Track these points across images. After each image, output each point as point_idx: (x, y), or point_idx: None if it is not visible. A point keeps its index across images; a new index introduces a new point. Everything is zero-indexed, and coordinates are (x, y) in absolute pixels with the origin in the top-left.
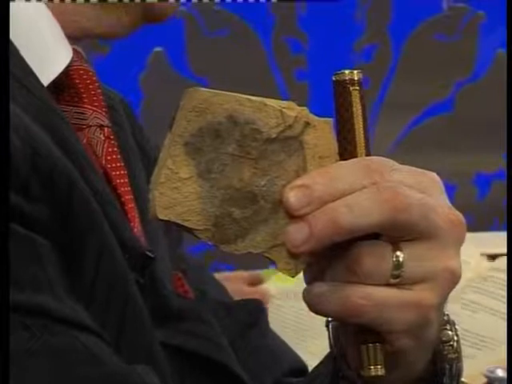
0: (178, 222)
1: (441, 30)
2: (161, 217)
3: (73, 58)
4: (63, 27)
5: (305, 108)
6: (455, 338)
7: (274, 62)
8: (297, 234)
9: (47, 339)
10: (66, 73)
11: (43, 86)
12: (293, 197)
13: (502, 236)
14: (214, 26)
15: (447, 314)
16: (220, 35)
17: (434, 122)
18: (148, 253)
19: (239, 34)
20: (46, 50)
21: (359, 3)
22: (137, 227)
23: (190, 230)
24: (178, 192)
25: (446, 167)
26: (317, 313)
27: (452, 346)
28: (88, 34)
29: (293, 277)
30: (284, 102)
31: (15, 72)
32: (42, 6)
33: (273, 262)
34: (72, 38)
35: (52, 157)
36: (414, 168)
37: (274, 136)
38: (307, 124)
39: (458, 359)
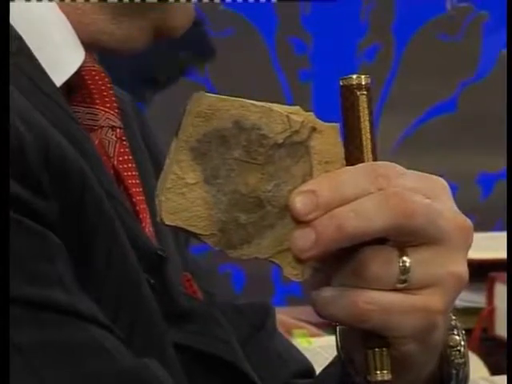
0: (184, 227)
1: (444, 30)
2: (167, 222)
3: (85, 59)
4: (78, 35)
5: (311, 113)
6: (462, 342)
7: (278, 62)
8: (303, 239)
9: (58, 333)
10: (79, 73)
11: (56, 86)
12: (299, 202)
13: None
14: (219, 26)
15: (454, 319)
16: (224, 35)
17: (437, 121)
18: (159, 252)
19: (243, 35)
20: (58, 51)
21: (363, 3)
22: (148, 228)
23: (196, 236)
24: (184, 197)
25: (449, 167)
26: (324, 317)
27: (459, 350)
28: (100, 46)
29: (300, 281)
30: (290, 107)
31: (28, 71)
32: (54, 6)
33: (279, 267)
34: (84, 46)
35: (64, 154)
36: (420, 173)
37: (280, 141)
38: (314, 129)
39: (465, 364)
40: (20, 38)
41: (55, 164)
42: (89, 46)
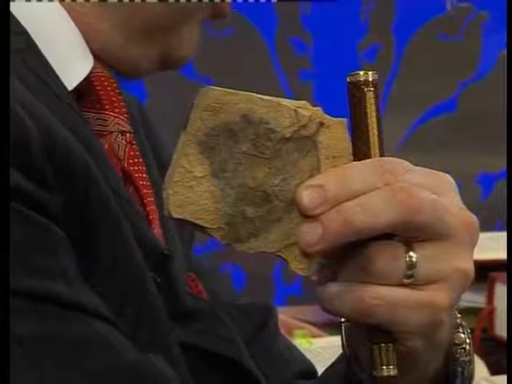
0: (192, 220)
1: (444, 30)
2: (174, 215)
3: (94, 64)
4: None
5: (319, 108)
6: (467, 340)
7: (278, 63)
8: (310, 233)
9: (60, 326)
10: (88, 79)
11: (67, 89)
12: (306, 196)
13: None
14: (219, 26)
15: (459, 317)
16: (224, 35)
17: (437, 121)
18: (165, 252)
19: (243, 35)
20: (68, 56)
21: (363, 3)
22: (157, 229)
23: (203, 229)
24: (191, 191)
25: (450, 167)
26: (330, 313)
27: (464, 348)
28: (104, 59)
29: (306, 276)
30: (298, 101)
31: (39, 72)
32: (63, 11)
33: (285, 262)
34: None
35: (70, 149)
36: (427, 169)
37: (288, 136)
38: (321, 124)
39: (471, 362)
40: (33, 42)
41: (60, 158)
42: (95, 55)
